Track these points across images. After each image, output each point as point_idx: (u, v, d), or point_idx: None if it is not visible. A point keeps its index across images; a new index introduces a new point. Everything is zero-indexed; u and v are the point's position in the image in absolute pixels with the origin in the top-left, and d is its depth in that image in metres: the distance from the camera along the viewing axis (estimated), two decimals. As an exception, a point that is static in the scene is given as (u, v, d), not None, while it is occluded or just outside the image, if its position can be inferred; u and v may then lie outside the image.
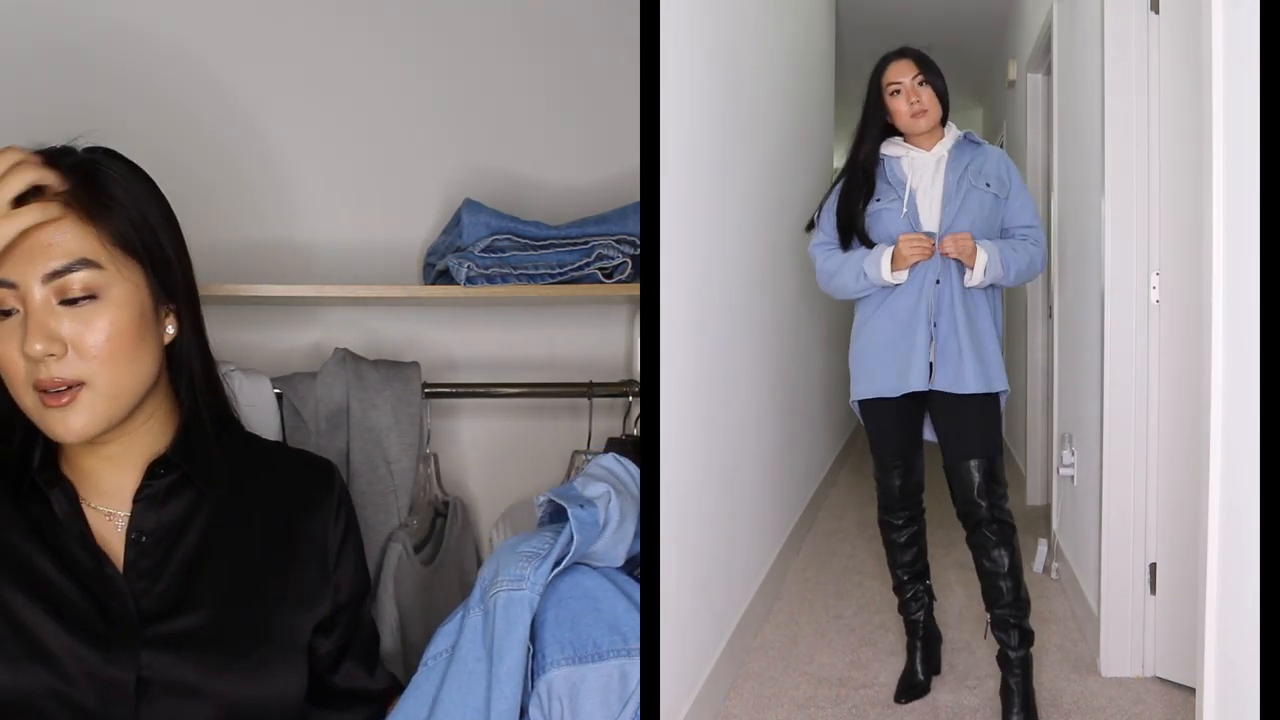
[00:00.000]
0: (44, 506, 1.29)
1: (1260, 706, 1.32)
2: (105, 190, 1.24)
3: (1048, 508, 3.65)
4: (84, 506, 1.30)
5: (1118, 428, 2.49)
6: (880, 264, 2.21)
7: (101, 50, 2.01)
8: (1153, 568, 2.45)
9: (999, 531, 2.21)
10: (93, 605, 1.24)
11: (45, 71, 2.00)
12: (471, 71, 2.17)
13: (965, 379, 2.19)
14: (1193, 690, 1.73)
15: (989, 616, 2.27)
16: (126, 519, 1.30)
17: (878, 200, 2.26)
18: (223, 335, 2.06)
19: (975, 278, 2.19)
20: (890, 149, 2.30)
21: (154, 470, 1.31)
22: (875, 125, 2.30)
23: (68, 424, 1.21)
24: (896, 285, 2.23)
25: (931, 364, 2.21)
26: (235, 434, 1.44)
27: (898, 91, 2.24)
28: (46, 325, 1.20)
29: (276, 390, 1.92)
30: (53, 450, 1.32)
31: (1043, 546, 3.37)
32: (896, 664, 2.55)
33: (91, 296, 1.22)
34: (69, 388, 1.21)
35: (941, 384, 2.21)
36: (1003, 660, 2.26)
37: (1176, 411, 2.37)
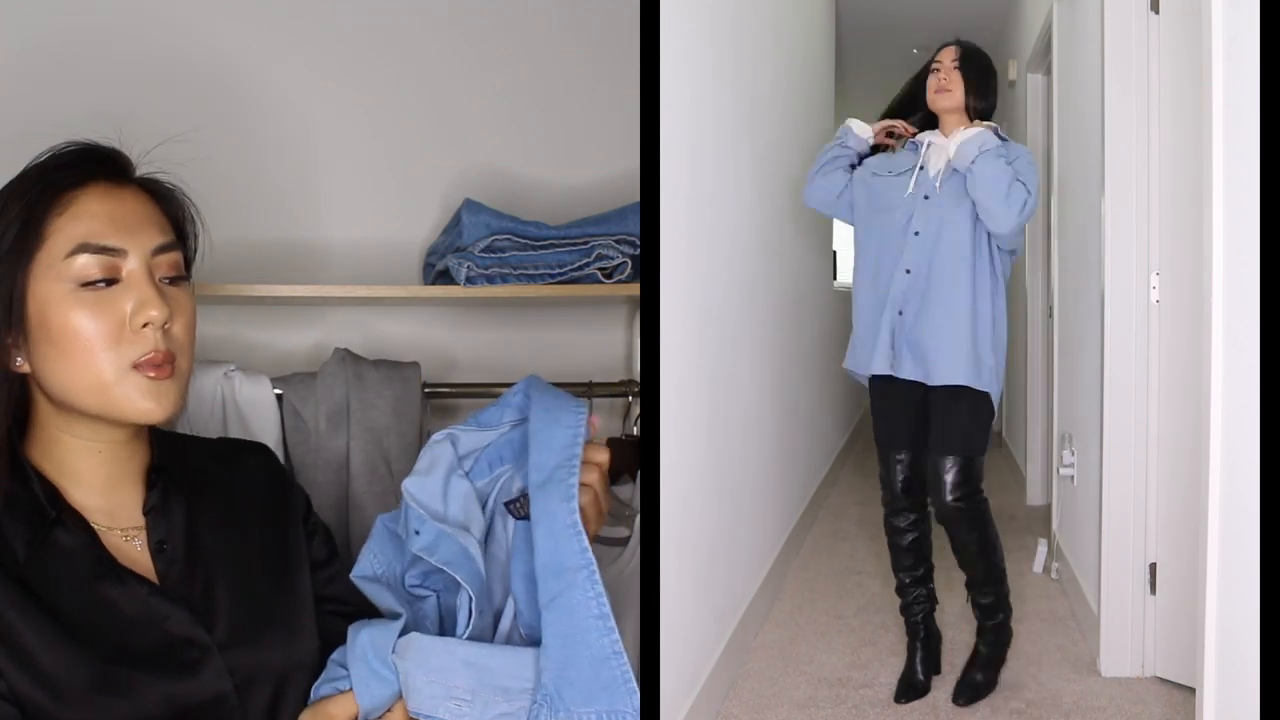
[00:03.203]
0: (50, 557, 1.20)
1: (1260, 706, 1.32)
2: (156, 178, 1.27)
3: (1048, 508, 3.65)
4: (99, 534, 1.23)
5: (1118, 428, 2.49)
6: (855, 122, 2.42)
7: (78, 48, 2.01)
8: (1153, 568, 2.45)
9: (967, 516, 2.30)
10: (160, 637, 1.20)
11: (55, 67, 2.00)
12: (471, 71, 2.17)
13: (934, 370, 2.25)
14: (1193, 690, 1.73)
15: (967, 592, 2.43)
16: (138, 534, 1.27)
17: (890, 172, 2.36)
18: (224, 335, 2.07)
19: (952, 148, 2.24)
20: (922, 135, 2.40)
21: (151, 479, 1.29)
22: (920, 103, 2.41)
23: (165, 398, 1.18)
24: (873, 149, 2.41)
25: (895, 351, 2.28)
26: (172, 436, 1.41)
27: (936, 70, 2.34)
28: (159, 295, 1.18)
29: (276, 390, 1.92)
30: (50, 485, 1.24)
31: (1043, 546, 3.36)
32: (896, 664, 2.55)
33: (184, 277, 1.23)
34: (170, 362, 1.18)
35: (906, 372, 2.28)
36: (979, 630, 2.41)
37: (1176, 411, 2.37)
